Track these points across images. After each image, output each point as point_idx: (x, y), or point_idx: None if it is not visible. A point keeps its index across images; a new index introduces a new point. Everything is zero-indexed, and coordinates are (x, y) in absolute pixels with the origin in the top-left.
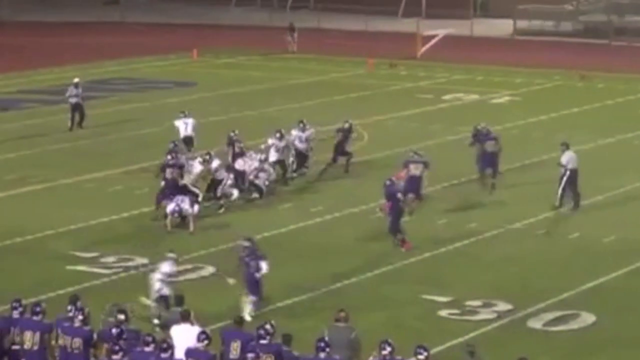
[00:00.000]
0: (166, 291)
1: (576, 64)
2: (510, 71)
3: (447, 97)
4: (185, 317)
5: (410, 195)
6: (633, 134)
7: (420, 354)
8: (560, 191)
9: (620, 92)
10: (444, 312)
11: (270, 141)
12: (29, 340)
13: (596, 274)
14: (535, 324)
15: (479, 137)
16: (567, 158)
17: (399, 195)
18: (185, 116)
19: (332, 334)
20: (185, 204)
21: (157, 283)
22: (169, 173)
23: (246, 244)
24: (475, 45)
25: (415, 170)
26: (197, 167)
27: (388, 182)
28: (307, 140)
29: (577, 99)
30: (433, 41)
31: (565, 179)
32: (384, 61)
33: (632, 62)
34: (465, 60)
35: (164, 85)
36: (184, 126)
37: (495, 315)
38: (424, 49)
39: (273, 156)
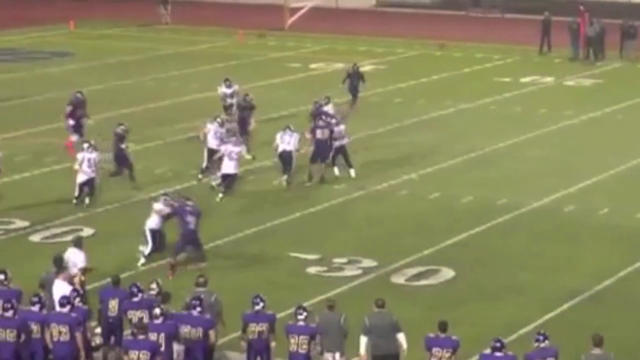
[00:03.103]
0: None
1: (435, 34)
2: (373, 41)
3: (313, 65)
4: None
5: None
6: (489, 100)
7: (300, 314)
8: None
9: (476, 60)
10: (312, 270)
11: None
12: None
13: (455, 232)
14: (399, 279)
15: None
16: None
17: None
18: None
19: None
20: None
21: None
22: None
23: None
24: (340, 17)
25: (321, 135)
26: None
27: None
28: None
29: (436, 67)
30: (300, 12)
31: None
32: (253, 32)
33: (486, 32)
34: (331, 30)
35: (43, 55)
36: None
37: (360, 271)
38: (291, 20)
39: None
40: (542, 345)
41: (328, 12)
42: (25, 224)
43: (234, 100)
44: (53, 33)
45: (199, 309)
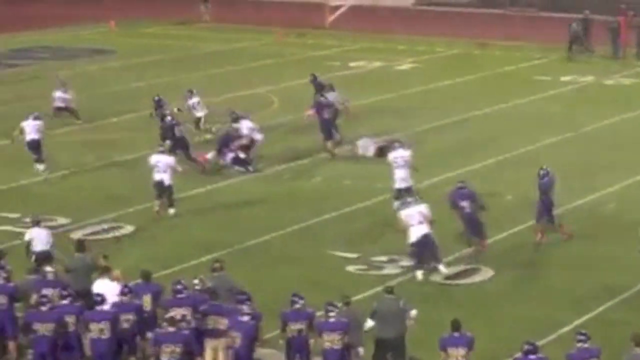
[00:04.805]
0: None
1: (473, 33)
2: (412, 40)
3: (353, 64)
4: (105, 272)
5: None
6: (526, 100)
7: (331, 310)
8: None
9: (516, 59)
10: (351, 268)
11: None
12: None
13: (495, 231)
14: (438, 277)
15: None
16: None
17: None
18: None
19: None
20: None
21: None
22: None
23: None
24: (379, 15)
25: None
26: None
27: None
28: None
29: (476, 66)
30: (340, 11)
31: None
32: (293, 30)
33: (525, 31)
34: (370, 29)
35: (84, 53)
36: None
37: (400, 270)
38: (331, 18)
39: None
40: (585, 345)
41: (367, 11)
42: (67, 220)
43: (203, 113)
44: (94, 31)
45: (248, 303)
